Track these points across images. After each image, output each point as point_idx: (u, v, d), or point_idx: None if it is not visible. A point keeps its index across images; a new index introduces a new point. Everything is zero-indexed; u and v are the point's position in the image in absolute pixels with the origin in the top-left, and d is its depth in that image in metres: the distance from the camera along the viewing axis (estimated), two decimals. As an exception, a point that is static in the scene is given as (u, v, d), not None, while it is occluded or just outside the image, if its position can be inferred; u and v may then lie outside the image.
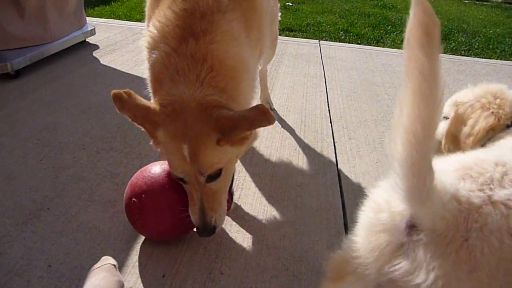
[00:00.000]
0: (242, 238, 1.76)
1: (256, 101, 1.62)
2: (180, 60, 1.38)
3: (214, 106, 1.36)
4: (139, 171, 1.67)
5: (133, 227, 1.66)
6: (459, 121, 1.55)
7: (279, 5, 2.73)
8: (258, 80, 1.92)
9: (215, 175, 1.42)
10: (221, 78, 1.40)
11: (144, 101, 1.41)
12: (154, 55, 1.45)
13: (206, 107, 1.35)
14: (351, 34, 5.97)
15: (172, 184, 1.55)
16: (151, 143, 1.48)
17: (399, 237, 0.90)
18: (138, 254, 1.64)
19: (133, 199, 1.58)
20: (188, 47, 1.39)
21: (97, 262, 1.56)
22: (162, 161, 1.64)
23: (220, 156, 1.39)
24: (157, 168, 1.63)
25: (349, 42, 5.49)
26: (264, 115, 1.30)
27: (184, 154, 1.36)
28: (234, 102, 1.42)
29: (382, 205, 0.96)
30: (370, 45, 5.41)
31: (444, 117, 1.65)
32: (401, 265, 0.88)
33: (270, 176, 2.22)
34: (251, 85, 1.58)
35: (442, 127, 1.64)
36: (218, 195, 1.47)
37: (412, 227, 0.89)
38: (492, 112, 1.49)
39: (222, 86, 1.40)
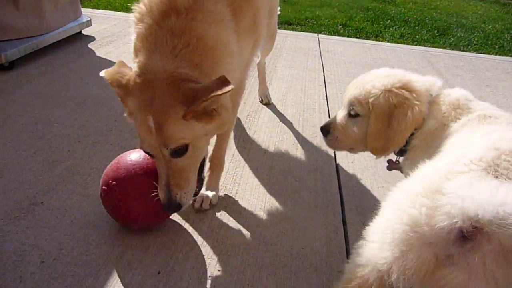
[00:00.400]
0: (239, 234, 1.74)
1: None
2: (160, 33, 1.41)
3: (184, 79, 1.37)
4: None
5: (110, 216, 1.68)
6: (385, 117, 1.44)
7: None
8: (246, 70, 1.89)
9: (181, 151, 1.41)
10: (196, 54, 1.41)
11: (126, 69, 1.45)
12: (138, 28, 1.48)
13: (175, 79, 1.36)
14: (350, 28, 5.93)
15: (141, 167, 1.58)
16: (125, 114, 1.49)
17: (447, 249, 0.89)
18: (133, 250, 1.61)
19: (103, 187, 1.61)
20: (169, 22, 1.41)
21: (91, 258, 1.54)
22: (138, 149, 1.65)
23: (185, 130, 1.38)
24: (128, 155, 1.66)
25: (348, 36, 5.45)
26: (223, 84, 1.32)
27: (149, 125, 1.37)
28: (208, 80, 1.41)
29: (421, 219, 0.92)
30: (369, 40, 5.37)
31: (353, 114, 1.54)
32: (454, 276, 0.87)
33: (267, 171, 2.19)
34: (232, 70, 1.55)
35: (356, 127, 1.54)
36: (185, 173, 1.46)
37: (464, 238, 0.86)
38: (419, 109, 1.39)
39: (197, 62, 1.41)
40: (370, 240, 1.07)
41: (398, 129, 1.41)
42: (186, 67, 1.39)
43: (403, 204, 0.99)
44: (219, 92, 1.31)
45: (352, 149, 1.66)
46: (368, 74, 1.57)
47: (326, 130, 1.65)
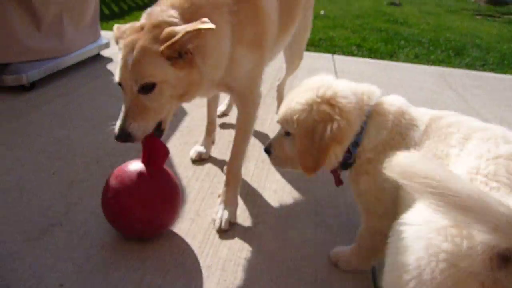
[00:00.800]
0: (261, 258, 1.69)
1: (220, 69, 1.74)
2: None
3: (170, 25, 1.54)
4: None
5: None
6: (309, 133, 1.40)
7: (311, 20, 2.72)
8: (254, 84, 1.95)
9: (147, 87, 1.52)
10: (188, 12, 1.60)
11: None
12: None
13: (162, 23, 1.54)
14: (363, 48, 5.94)
15: (132, 168, 1.66)
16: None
17: (492, 275, 0.87)
18: (152, 273, 1.57)
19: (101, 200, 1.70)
20: None
21: (110, 281, 1.50)
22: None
23: (156, 69, 1.51)
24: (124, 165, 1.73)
25: (362, 57, 5.45)
26: (202, 23, 1.48)
27: (127, 61, 1.52)
28: None
29: (459, 253, 0.90)
30: (383, 60, 5.36)
31: (286, 132, 1.51)
32: None
33: (288, 193, 2.15)
34: (216, 45, 1.67)
35: (290, 145, 1.50)
36: (145, 111, 1.56)
37: (505, 260, 0.85)
38: (338, 124, 1.36)
39: (187, 18, 1.58)
40: (403, 277, 1.02)
41: (320, 145, 1.38)
42: (176, 18, 1.57)
43: (434, 240, 0.95)
44: (196, 27, 1.46)
45: (295, 168, 1.60)
46: (296, 89, 1.55)
47: (268, 150, 1.63)
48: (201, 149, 2.39)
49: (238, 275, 1.59)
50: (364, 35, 6.69)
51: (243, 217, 1.93)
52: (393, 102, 1.44)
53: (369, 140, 1.39)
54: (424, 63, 5.40)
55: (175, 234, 1.78)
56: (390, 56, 5.71)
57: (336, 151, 1.42)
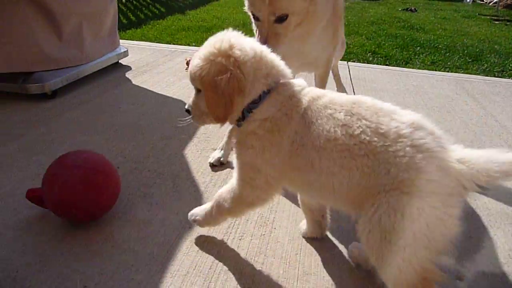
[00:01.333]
0: (278, 262, 1.71)
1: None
2: None
3: None
4: None
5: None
6: (212, 86, 1.43)
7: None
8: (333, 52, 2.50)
9: (282, 18, 1.95)
10: None
11: None
12: None
13: None
14: (379, 55, 5.92)
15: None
16: None
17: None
18: (173, 276, 1.60)
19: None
20: None
21: (132, 285, 1.54)
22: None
23: (290, 2, 1.93)
24: None
25: (377, 64, 5.44)
26: None
27: None
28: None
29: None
30: (399, 67, 5.34)
31: (198, 89, 1.55)
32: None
33: (304, 198, 2.16)
34: (319, 18, 2.15)
35: (202, 101, 1.52)
36: (279, 36, 2.00)
37: None
38: (231, 74, 1.40)
39: None
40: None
41: (224, 96, 1.42)
42: None
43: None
44: None
45: (212, 122, 1.62)
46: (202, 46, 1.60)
47: (188, 110, 1.66)
48: (220, 154, 2.44)
49: (256, 279, 1.61)
50: (379, 42, 6.68)
51: (260, 222, 1.95)
52: (292, 86, 1.48)
53: (260, 112, 1.45)
54: (441, 70, 5.36)
55: (194, 238, 1.81)
56: (406, 62, 5.69)
57: (240, 102, 1.47)
